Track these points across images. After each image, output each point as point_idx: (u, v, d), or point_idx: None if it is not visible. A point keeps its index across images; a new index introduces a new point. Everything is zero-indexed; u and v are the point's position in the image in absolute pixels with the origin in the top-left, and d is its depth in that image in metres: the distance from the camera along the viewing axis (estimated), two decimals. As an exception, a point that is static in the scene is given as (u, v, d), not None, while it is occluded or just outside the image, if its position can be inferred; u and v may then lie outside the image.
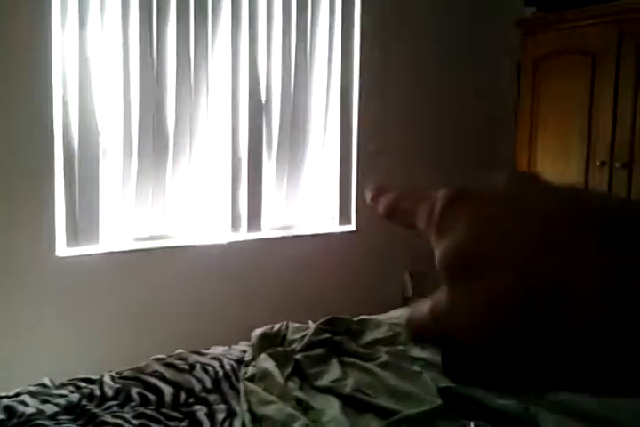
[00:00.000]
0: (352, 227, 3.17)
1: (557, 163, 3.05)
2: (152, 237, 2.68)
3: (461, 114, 3.46)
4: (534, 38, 3.12)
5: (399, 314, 2.21)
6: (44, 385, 1.60)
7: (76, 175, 2.48)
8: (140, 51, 2.51)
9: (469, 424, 1.40)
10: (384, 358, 1.73)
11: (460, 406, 1.50)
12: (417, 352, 1.82)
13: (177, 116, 2.64)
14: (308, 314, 2.15)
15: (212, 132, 2.75)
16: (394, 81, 3.23)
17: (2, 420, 1.40)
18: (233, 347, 1.93)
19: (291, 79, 2.91)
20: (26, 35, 2.27)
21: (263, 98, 2.85)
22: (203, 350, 1.85)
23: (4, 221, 2.33)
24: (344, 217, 3.13)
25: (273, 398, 1.46)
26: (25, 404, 1.48)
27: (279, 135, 2.91)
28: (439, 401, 1.46)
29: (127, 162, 2.57)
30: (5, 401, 1.50)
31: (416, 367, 1.71)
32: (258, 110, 2.84)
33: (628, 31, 2.72)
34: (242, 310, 2.72)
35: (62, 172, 2.46)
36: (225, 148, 2.79)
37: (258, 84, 2.82)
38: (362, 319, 2.02)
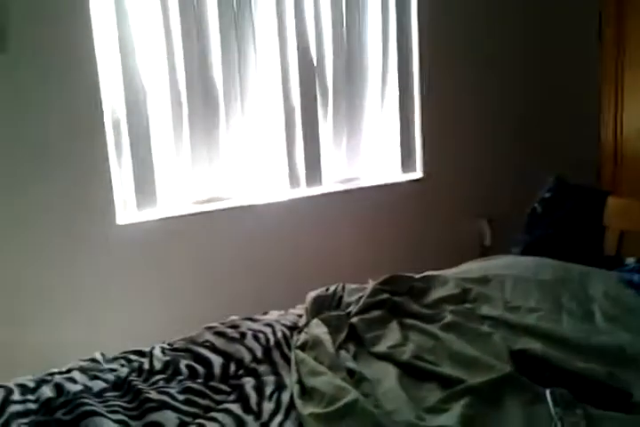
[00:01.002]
0: (419, 174, 2.97)
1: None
2: (210, 200, 2.61)
3: (538, 43, 3.12)
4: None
5: (470, 267, 2.04)
6: (94, 360, 1.57)
7: (128, 140, 2.43)
8: (180, 5, 2.38)
9: (545, 393, 1.24)
10: (449, 318, 1.58)
11: (534, 371, 1.34)
12: (487, 310, 1.65)
13: (224, 71, 2.52)
14: (378, 273, 2.00)
15: (262, 85, 2.62)
16: (460, 24, 2.94)
17: (50, 398, 1.37)
18: (289, 311, 1.83)
19: (343, 22, 2.70)
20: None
21: (313, 45, 2.67)
22: (256, 316, 1.76)
23: (62, 193, 2.31)
24: (408, 165, 2.93)
25: (323, 368, 1.34)
26: (74, 381, 1.45)
27: (334, 82, 2.74)
28: (509, 368, 1.29)
29: (178, 123, 2.50)
30: (57, 378, 1.47)
31: (485, 328, 1.54)
32: (308, 59, 2.67)
33: None
34: (307, 270, 2.62)
35: (113, 138, 2.41)
36: (277, 101, 2.65)
37: (306, 33, 2.64)
38: (426, 276, 1.86)
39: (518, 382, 1.27)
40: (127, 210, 2.47)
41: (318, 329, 1.52)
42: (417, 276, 1.86)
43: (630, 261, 1.91)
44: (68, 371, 1.51)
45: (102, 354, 1.61)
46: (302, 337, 1.53)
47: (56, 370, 1.53)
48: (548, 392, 1.23)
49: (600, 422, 1.14)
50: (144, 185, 2.47)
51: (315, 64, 2.69)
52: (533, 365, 1.36)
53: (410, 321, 1.59)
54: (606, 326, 1.54)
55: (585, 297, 1.71)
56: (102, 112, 2.33)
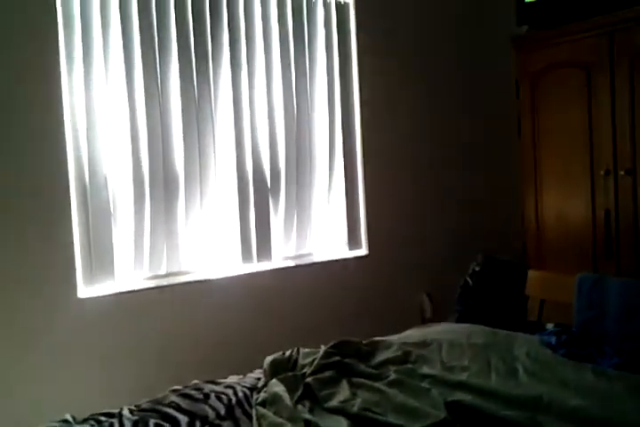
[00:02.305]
0: (364, 251, 3.22)
1: (563, 174, 3.07)
2: (166, 275, 2.74)
3: (463, 134, 3.54)
4: (529, 55, 3.18)
5: (411, 333, 2.25)
6: (65, 421, 1.66)
7: (90, 219, 2.55)
8: (145, 93, 2.61)
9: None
10: (393, 376, 1.77)
11: (466, 418, 1.53)
12: (426, 369, 1.85)
13: (185, 154, 2.72)
14: (326, 340, 2.18)
15: (219, 168, 2.84)
16: (396, 106, 3.33)
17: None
18: (248, 375, 1.97)
19: (293, 111, 3.02)
20: (36, 84, 2.37)
21: (267, 130, 2.95)
22: (218, 380, 1.90)
23: (25, 266, 2.40)
24: (354, 242, 3.19)
25: (282, 420, 1.50)
26: (47, 440, 1.54)
27: (286, 170, 3.00)
28: (443, 415, 1.48)
29: (139, 204, 2.65)
30: (30, 439, 1.56)
31: (425, 384, 1.74)
32: (263, 143, 2.94)
33: (618, 42, 2.77)
34: (258, 340, 2.77)
35: (77, 216, 2.54)
36: (232, 182, 2.87)
37: (258, 128, 2.93)
38: (372, 341, 2.06)
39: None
40: (86, 284, 2.56)
41: (277, 387, 1.68)
42: (364, 341, 2.05)
43: (550, 326, 2.18)
44: (41, 432, 1.60)
45: (72, 416, 1.70)
46: (262, 395, 1.68)
47: (28, 432, 1.61)
48: (478, 436, 1.42)
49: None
50: (103, 260, 2.57)
51: (268, 149, 2.96)
52: (466, 413, 1.55)
53: (358, 380, 1.77)
54: (527, 380, 1.76)
55: (510, 357, 1.95)
56: (68, 188, 2.47)
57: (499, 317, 2.33)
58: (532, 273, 2.40)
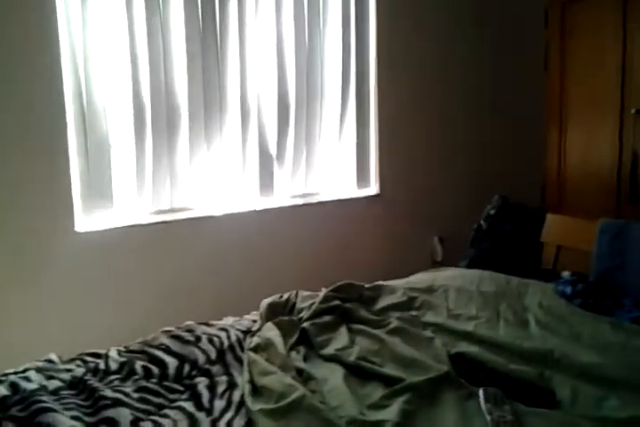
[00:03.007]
0: (375, 191, 3.08)
1: (590, 112, 2.86)
2: (169, 210, 2.66)
3: (485, 71, 3.31)
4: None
5: (418, 278, 2.14)
6: (50, 361, 1.60)
7: (90, 150, 2.46)
8: (147, 22, 2.45)
9: (478, 391, 1.33)
10: (395, 324, 1.67)
11: (470, 372, 1.43)
12: (430, 317, 1.75)
13: (189, 84, 2.59)
14: (331, 282, 2.08)
15: (224, 100, 2.69)
16: (413, 45, 3.10)
17: (5, 396, 1.39)
18: (244, 317, 1.89)
19: (305, 38, 2.82)
20: (29, 12, 2.22)
21: (275, 63, 2.78)
22: (212, 322, 1.82)
23: (22, 200, 2.33)
24: (363, 180, 3.04)
25: (274, 368, 1.41)
26: (30, 380, 1.47)
27: (296, 103, 2.84)
28: (446, 368, 1.38)
29: (140, 134, 2.54)
30: (12, 377, 1.50)
31: (428, 333, 1.64)
32: (271, 76, 2.77)
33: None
34: (263, 280, 2.69)
35: (75, 147, 2.44)
36: (236, 115, 2.73)
37: (271, 57, 2.76)
38: (376, 285, 1.95)
39: (454, 382, 1.36)
40: (86, 217, 2.49)
41: (271, 332, 1.59)
42: (367, 285, 1.94)
43: (565, 274, 2.04)
44: (24, 371, 1.54)
45: (58, 356, 1.64)
46: (255, 340, 1.60)
47: (12, 370, 1.55)
48: (480, 391, 1.33)
49: (526, 416, 1.24)
50: (102, 192, 2.49)
51: (277, 82, 2.79)
52: (470, 367, 1.46)
53: (358, 326, 1.68)
54: (538, 332, 1.65)
55: (521, 307, 1.83)
56: (65, 118, 2.37)
57: (512, 263, 2.20)
58: (549, 218, 2.25)
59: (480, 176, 3.31)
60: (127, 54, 2.45)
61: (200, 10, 2.56)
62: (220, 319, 1.90)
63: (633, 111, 2.67)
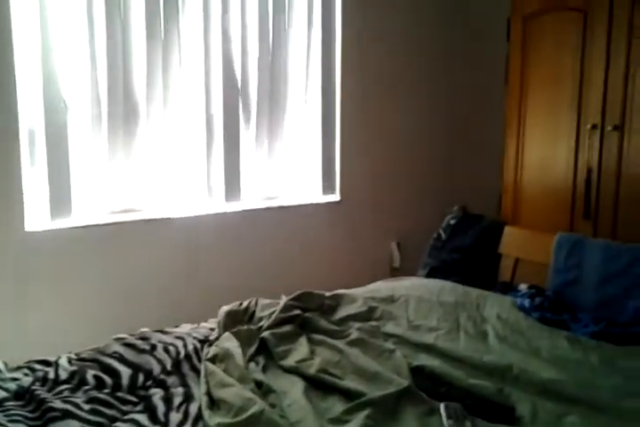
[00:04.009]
0: (336, 197, 3.07)
1: (548, 127, 2.92)
2: (126, 210, 2.58)
3: (448, 79, 3.34)
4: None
5: (378, 287, 2.14)
6: (-4, 369, 1.52)
7: (44, 147, 2.37)
8: (107, 12, 2.37)
9: (439, 406, 1.33)
10: (355, 334, 1.65)
11: (431, 386, 1.43)
12: (391, 328, 1.74)
13: (147, 82, 2.52)
14: (290, 289, 2.06)
15: (185, 98, 2.63)
16: (376, 50, 3.11)
17: (-54, 407, 1.32)
18: (201, 324, 1.85)
19: (269, 39, 2.78)
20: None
21: (239, 60, 2.73)
22: (168, 329, 1.77)
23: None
24: (328, 187, 3.04)
25: (232, 380, 1.38)
26: (-28, 389, 1.40)
27: (257, 100, 2.80)
28: (407, 383, 1.37)
29: (96, 131, 2.47)
30: (-45, 387, 1.42)
31: (389, 344, 1.63)
32: (232, 74, 2.72)
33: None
34: (221, 284, 2.64)
35: (28, 143, 2.35)
36: (199, 114, 2.67)
37: (231, 46, 2.70)
38: (336, 294, 1.94)
39: (415, 396, 1.35)
40: (40, 217, 2.40)
41: (229, 343, 1.56)
42: (328, 293, 1.93)
43: (523, 287, 2.07)
44: (-33, 380, 1.47)
45: (4, 363, 1.57)
46: (213, 350, 1.56)
47: (-45, 379, 1.48)
48: (442, 406, 1.32)
49: (486, 433, 1.24)
50: (59, 193, 2.41)
51: (239, 84, 2.74)
52: (431, 380, 1.45)
53: (318, 337, 1.66)
54: (497, 345, 1.66)
55: (480, 318, 1.84)
56: (17, 116, 2.27)
57: (470, 274, 2.21)
58: (507, 230, 2.27)
59: (439, 185, 3.35)
60: (86, 53, 2.37)
61: (162, 9, 2.50)
62: (177, 326, 1.86)
63: (588, 127, 2.73)
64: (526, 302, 1.90)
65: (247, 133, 2.81)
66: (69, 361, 1.57)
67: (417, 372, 1.47)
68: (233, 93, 2.73)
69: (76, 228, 2.45)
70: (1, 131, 2.24)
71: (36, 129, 2.36)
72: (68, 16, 2.33)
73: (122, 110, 2.48)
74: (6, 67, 2.21)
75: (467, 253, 2.28)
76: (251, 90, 2.79)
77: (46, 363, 1.57)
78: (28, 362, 1.59)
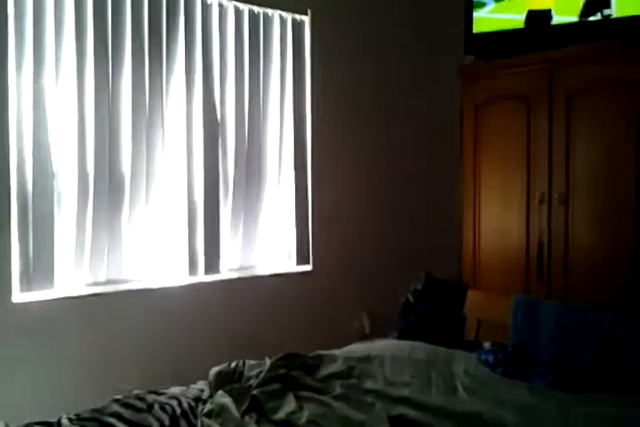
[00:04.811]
0: (309, 267, 3.25)
1: (501, 201, 3.20)
2: (108, 282, 2.67)
3: (408, 157, 3.66)
4: (474, 85, 3.32)
5: (354, 348, 2.29)
6: (-2, 430, 1.60)
7: (30, 220, 2.46)
8: (96, 92, 2.57)
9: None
10: (338, 390, 1.80)
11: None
12: (370, 384, 1.89)
13: (132, 159, 2.68)
14: (268, 353, 2.19)
15: (167, 175, 2.81)
16: (344, 125, 3.41)
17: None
18: (191, 386, 1.96)
19: (245, 123, 3.03)
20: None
21: (219, 141, 2.95)
22: (161, 390, 1.87)
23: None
24: (302, 258, 3.22)
25: (230, 432, 1.50)
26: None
27: (234, 178, 3.00)
28: (389, 428, 1.52)
29: (82, 206, 2.58)
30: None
31: (369, 398, 1.77)
32: (213, 153, 2.93)
33: (557, 78, 2.93)
34: (201, 351, 2.74)
35: (16, 216, 2.45)
36: (181, 190, 2.85)
37: (214, 126, 2.93)
38: (317, 355, 2.09)
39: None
40: (23, 287, 2.47)
41: (224, 399, 1.68)
42: (310, 354, 2.07)
43: (487, 344, 2.27)
44: (-28, 441, 1.53)
45: (6, 424, 1.64)
46: (208, 406, 1.68)
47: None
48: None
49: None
50: (43, 264, 2.49)
51: (220, 165, 2.95)
52: (409, 427, 1.60)
53: (305, 393, 1.79)
54: (467, 397, 1.83)
55: (450, 374, 2.02)
56: (9, 193, 2.40)
57: (438, 335, 2.40)
58: (470, 293, 2.50)
59: (405, 253, 3.57)
60: (75, 123, 2.54)
61: (147, 81, 2.70)
62: (167, 388, 1.96)
63: (537, 201, 3.02)
64: (490, 358, 2.10)
65: (225, 209, 2.99)
66: (70, 421, 1.65)
67: (396, 420, 1.62)
68: (213, 172, 2.93)
69: (61, 299, 2.53)
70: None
71: (23, 200, 2.46)
72: (61, 90, 2.51)
73: (107, 185, 2.62)
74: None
75: (433, 316, 2.47)
76: (229, 167, 3.00)
77: (48, 424, 1.64)
78: (28, 424, 1.65)
